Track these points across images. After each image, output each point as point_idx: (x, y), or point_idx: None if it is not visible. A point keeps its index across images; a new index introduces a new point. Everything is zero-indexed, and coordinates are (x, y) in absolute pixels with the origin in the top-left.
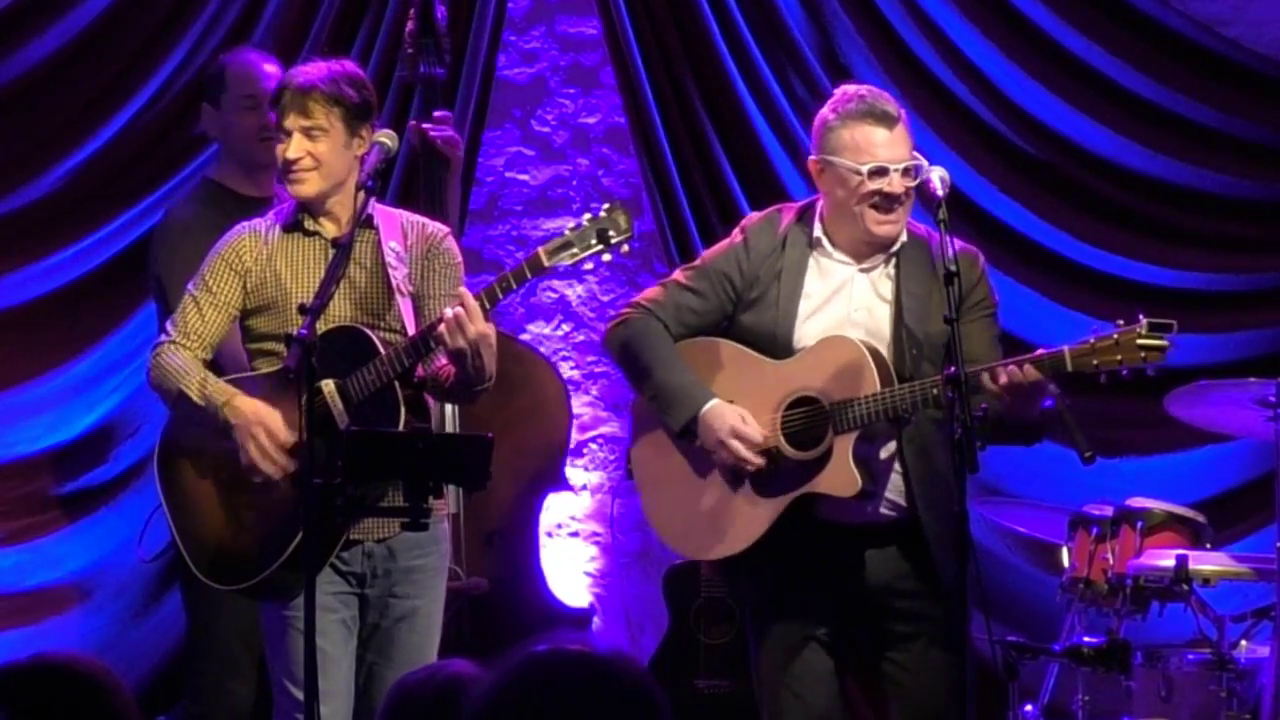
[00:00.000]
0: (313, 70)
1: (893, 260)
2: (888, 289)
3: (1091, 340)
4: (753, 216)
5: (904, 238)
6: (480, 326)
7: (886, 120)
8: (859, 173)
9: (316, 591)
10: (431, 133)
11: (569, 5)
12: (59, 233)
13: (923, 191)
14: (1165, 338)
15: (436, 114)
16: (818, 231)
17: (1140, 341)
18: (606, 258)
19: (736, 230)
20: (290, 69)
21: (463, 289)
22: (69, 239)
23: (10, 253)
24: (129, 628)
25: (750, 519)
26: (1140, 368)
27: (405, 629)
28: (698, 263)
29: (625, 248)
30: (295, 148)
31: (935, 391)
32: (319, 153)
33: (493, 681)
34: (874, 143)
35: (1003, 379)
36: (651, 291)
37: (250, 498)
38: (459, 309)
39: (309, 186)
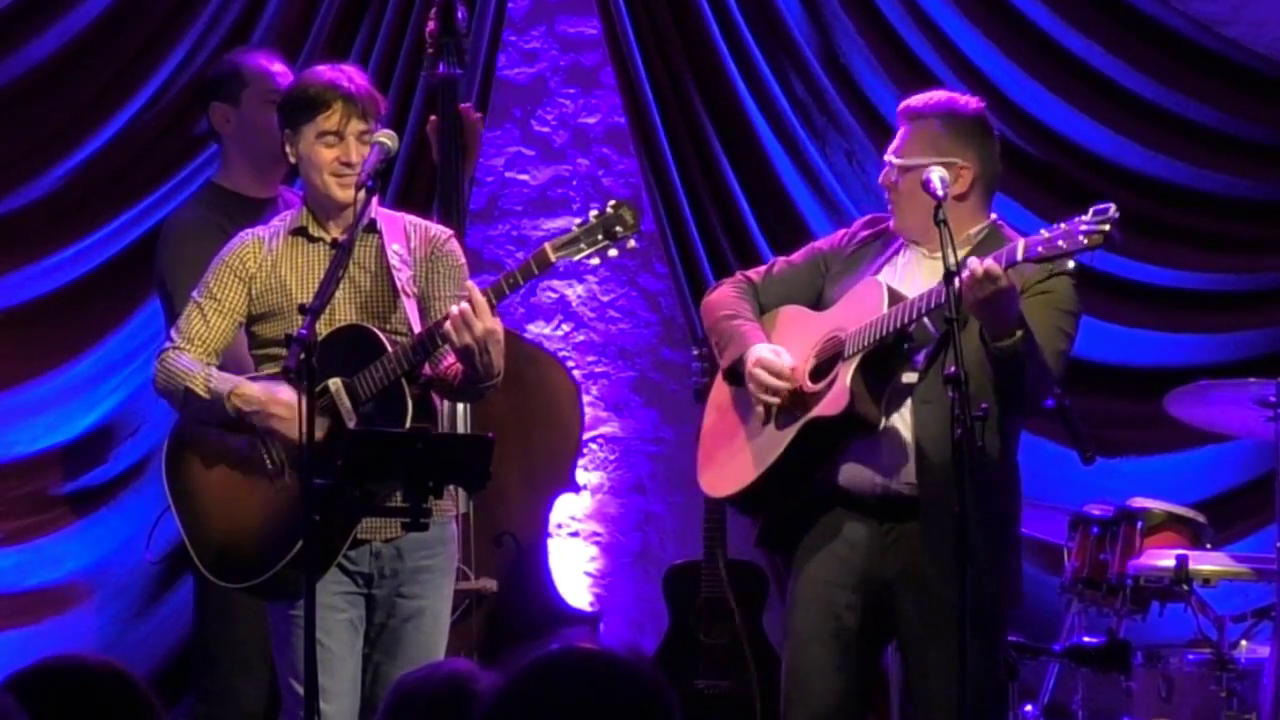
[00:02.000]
0: (351, 75)
1: (966, 249)
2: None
3: (1042, 232)
4: (870, 215)
5: (979, 232)
6: (488, 322)
7: (900, 118)
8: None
9: (323, 591)
10: (472, 115)
11: (569, 5)
12: (59, 233)
13: (923, 191)
14: (1106, 221)
15: (462, 106)
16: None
17: (1081, 228)
18: (613, 253)
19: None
20: (313, 72)
21: (470, 284)
22: (69, 239)
23: (10, 253)
24: (130, 627)
25: (762, 451)
26: (1081, 252)
27: (412, 629)
28: (809, 245)
29: (631, 243)
30: (356, 151)
31: (926, 301)
32: (366, 156)
33: (505, 679)
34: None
35: (974, 271)
36: (760, 267)
37: (257, 496)
38: (465, 305)
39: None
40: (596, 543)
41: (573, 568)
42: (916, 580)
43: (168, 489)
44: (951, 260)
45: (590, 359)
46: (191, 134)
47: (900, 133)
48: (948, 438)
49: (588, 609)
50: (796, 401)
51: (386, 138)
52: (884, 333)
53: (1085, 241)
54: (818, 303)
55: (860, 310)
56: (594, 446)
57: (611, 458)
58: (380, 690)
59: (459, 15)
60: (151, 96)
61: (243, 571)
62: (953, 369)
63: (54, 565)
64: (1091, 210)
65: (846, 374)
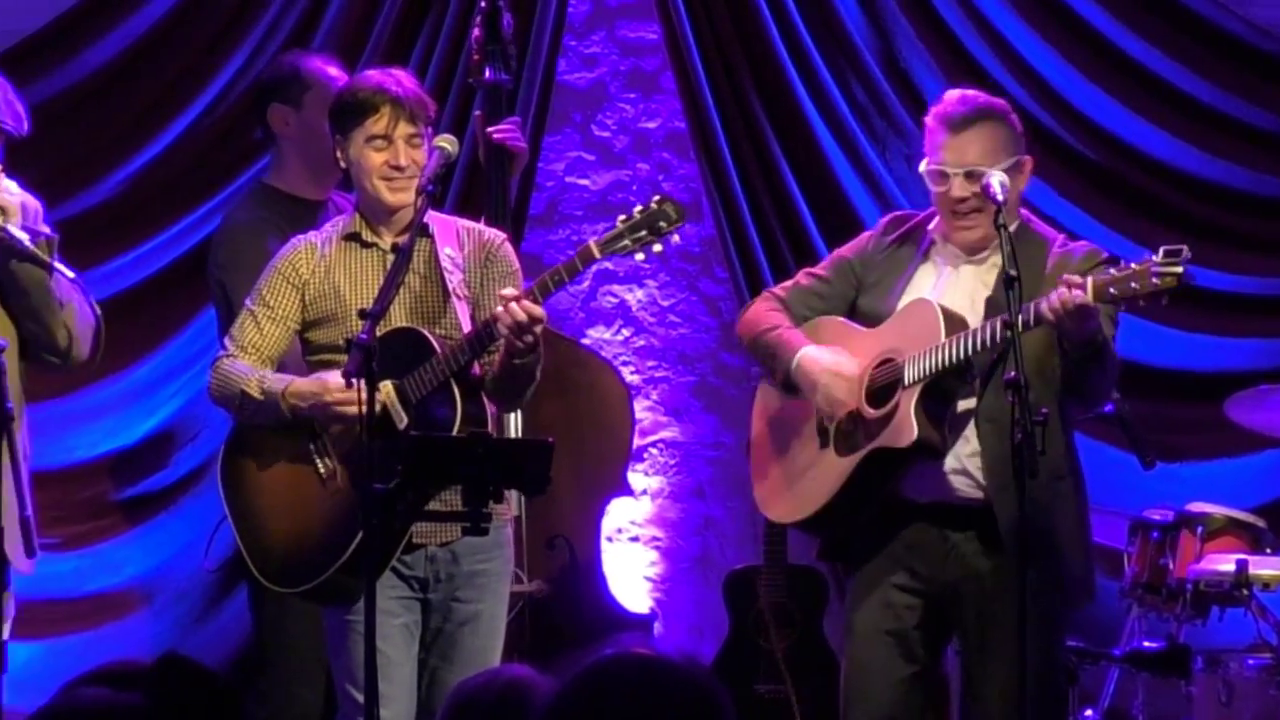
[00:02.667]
0: (400, 78)
1: (1001, 254)
2: (992, 277)
3: (1112, 272)
4: (893, 213)
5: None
6: (535, 310)
7: (950, 125)
8: (928, 177)
9: (379, 596)
10: (496, 136)
11: (629, 10)
12: (119, 238)
13: (982, 196)
14: (1180, 264)
15: (505, 121)
16: (931, 226)
17: (1155, 270)
18: (657, 248)
19: (879, 223)
20: (358, 76)
21: (508, 289)
22: (129, 244)
23: (70, 258)
24: (189, 632)
25: (827, 479)
26: (1155, 294)
27: (468, 633)
28: (832, 254)
29: (676, 237)
30: (405, 154)
31: (989, 333)
32: (418, 160)
33: (560, 685)
34: (939, 145)
35: (1052, 303)
36: (787, 282)
37: (311, 501)
38: (514, 306)
39: (409, 194)
40: (656, 547)
41: (633, 573)
42: (977, 584)
43: (223, 495)
44: (1012, 265)
45: (650, 364)
46: (251, 139)
47: (955, 141)
48: (1010, 447)
49: (643, 613)
50: (855, 425)
51: (447, 142)
52: (946, 362)
53: (1159, 284)
54: (851, 313)
55: (915, 333)
56: (653, 451)
57: (671, 463)
58: (436, 694)
59: (504, 21)
60: (211, 102)
61: (297, 576)
62: (1013, 374)
63: (113, 570)
64: (1162, 251)
65: (909, 404)
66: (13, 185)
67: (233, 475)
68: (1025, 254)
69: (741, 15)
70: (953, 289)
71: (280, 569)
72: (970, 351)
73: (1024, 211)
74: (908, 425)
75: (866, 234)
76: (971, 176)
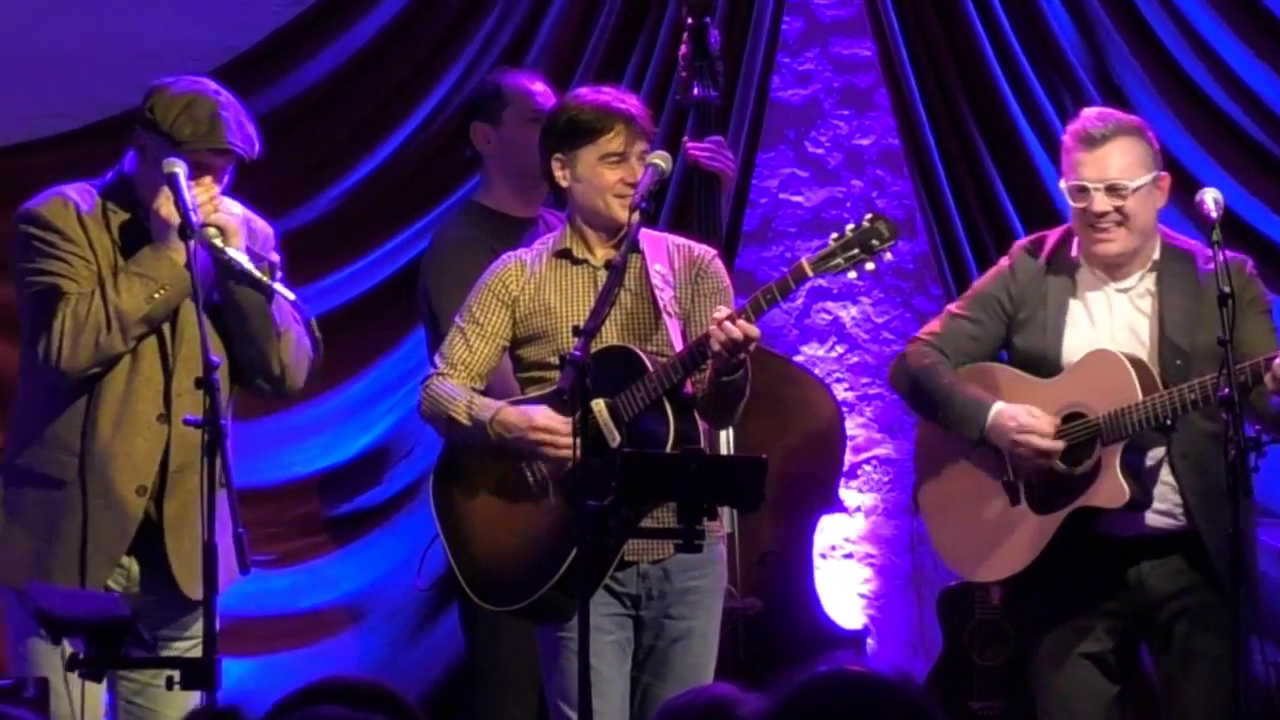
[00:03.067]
0: (621, 96)
1: (1153, 275)
2: (1148, 304)
3: None
4: (1020, 241)
5: (1156, 253)
6: (750, 329)
7: (1089, 141)
8: (1068, 193)
9: (591, 613)
10: (691, 150)
11: (843, 27)
12: (333, 255)
13: (1196, 213)
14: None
15: (707, 140)
16: (1074, 251)
17: None
18: (870, 266)
19: (1004, 257)
20: (580, 95)
21: (721, 306)
22: (343, 261)
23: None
24: (403, 650)
25: (1029, 537)
26: None
27: (681, 650)
28: (970, 292)
29: (888, 255)
30: (639, 172)
31: (1193, 396)
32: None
33: (774, 701)
34: (1076, 163)
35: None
36: (929, 326)
37: (523, 519)
38: (730, 326)
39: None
40: (870, 564)
41: (846, 589)
42: (1176, 606)
43: (436, 515)
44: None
45: (864, 380)
46: (464, 157)
47: (1091, 157)
48: (1209, 473)
49: (855, 629)
50: (1051, 480)
51: (660, 159)
52: (1149, 421)
53: None
54: (1004, 349)
55: (1105, 387)
56: (867, 468)
57: (885, 479)
58: (649, 711)
59: (712, 38)
60: (426, 117)
61: (510, 595)
62: (1226, 390)
63: (328, 587)
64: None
65: (1115, 462)
66: (235, 206)
67: (444, 495)
68: (1174, 270)
69: (955, 32)
70: (1112, 322)
71: (493, 587)
72: (1177, 411)
73: (1163, 228)
74: (1118, 486)
75: (1003, 265)
76: (1113, 191)
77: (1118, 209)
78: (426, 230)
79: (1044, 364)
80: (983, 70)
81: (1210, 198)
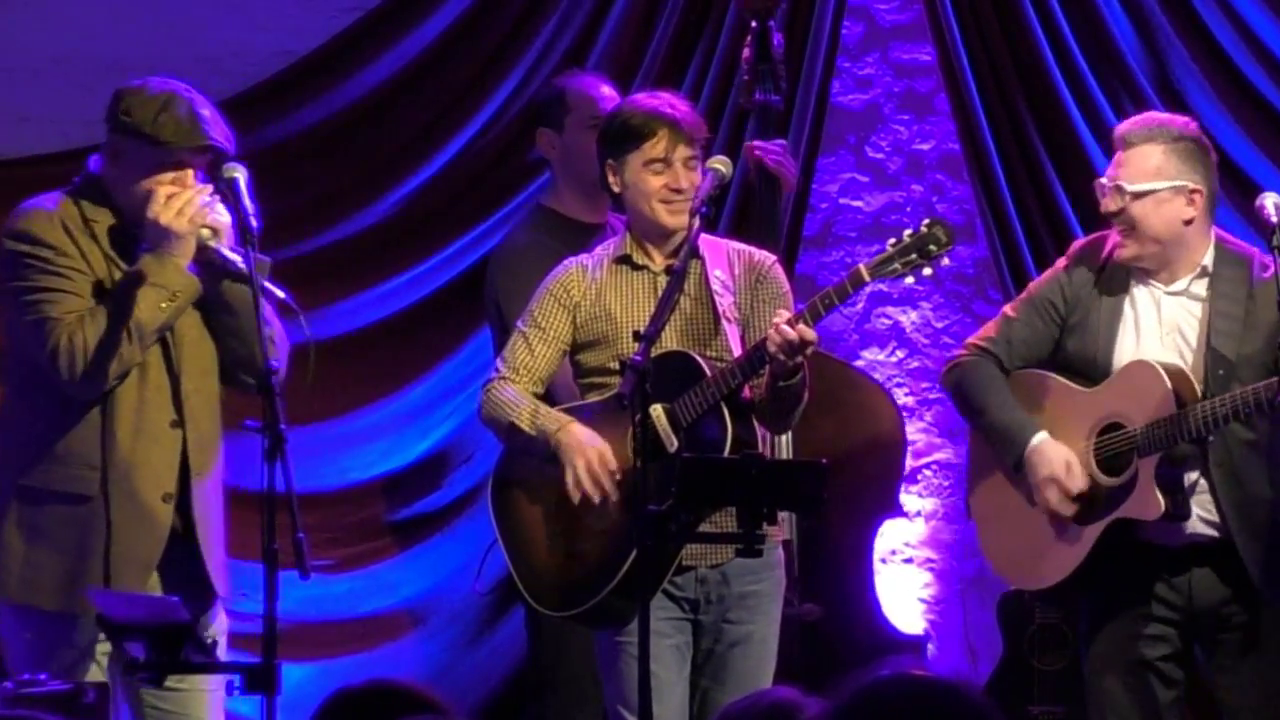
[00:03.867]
0: (674, 101)
1: (1204, 280)
2: (1198, 309)
3: None
4: (1078, 243)
5: (1208, 257)
6: (807, 333)
7: (1119, 142)
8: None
9: (650, 618)
10: (757, 149)
11: (903, 32)
12: (393, 259)
13: (1257, 217)
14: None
15: (771, 143)
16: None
17: None
18: (927, 272)
19: (1062, 258)
20: (632, 100)
21: (780, 310)
22: (403, 265)
23: (345, 279)
24: (463, 655)
25: (1071, 546)
26: None
27: (740, 654)
28: (1024, 294)
29: (945, 260)
30: (684, 177)
31: (1225, 410)
32: (694, 182)
33: (834, 705)
34: (1113, 163)
35: None
36: (984, 329)
37: (582, 524)
38: (788, 329)
39: (685, 216)
40: (930, 569)
41: (906, 594)
42: (1225, 612)
43: (494, 520)
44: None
45: (924, 385)
46: (525, 161)
47: (1119, 158)
48: (1246, 483)
49: (916, 634)
50: (1092, 492)
51: (720, 164)
52: (1184, 434)
53: None
54: (1057, 351)
55: (1142, 399)
56: (928, 473)
57: (945, 484)
58: (708, 716)
59: (775, 41)
60: (485, 123)
61: (569, 600)
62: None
63: (387, 592)
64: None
65: (1149, 475)
66: (221, 208)
67: (503, 500)
68: (1227, 276)
69: (1015, 37)
70: (1160, 325)
71: (551, 592)
72: (1214, 426)
73: (1219, 231)
74: (1153, 499)
75: (1059, 267)
76: (1118, 192)
77: (1122, 211)
78: (488, 235)
79: (1094, 367)
80: (1043, 75)
81: (1271, 202)
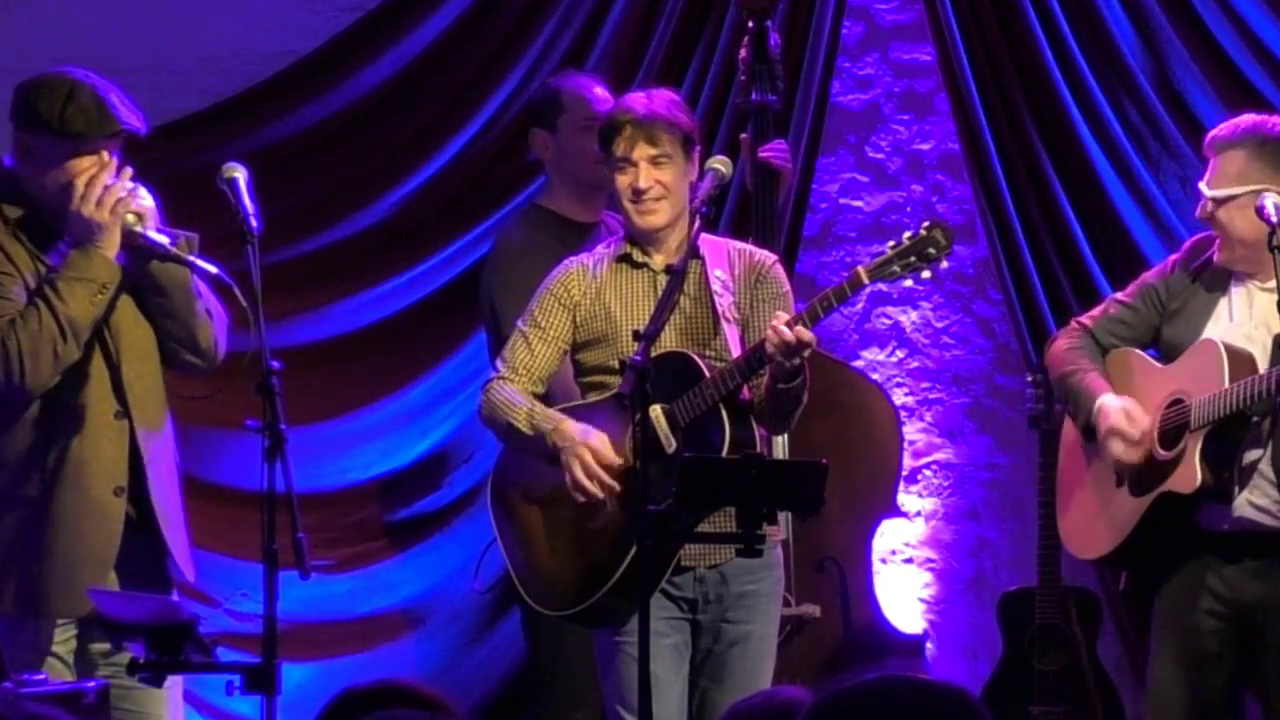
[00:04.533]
0: (648, 99)
1: None
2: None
3: None
4: (1193, 238)
5: None
6: (805, 335)
7: (1207, 146)
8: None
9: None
10: (762, 154)
11: (903, 32)
12: (393, 259)
13: (1257, 217)
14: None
15: (773, 142)
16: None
17: None
18: (926, 275)
19: (1175, 253)
20: (618, 99)
21: (779, 311)
22: (403, 266)
23: (344, 279)
24: (463, 654)
25: (1123, 518)
26: None
27: (738, 654)
28: (1138, 280)
29: (944, 263)
30: (645, 177)
31: (1261, 386)
32: (666, 181)
33: (813, 705)
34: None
35: None
36: (1092, 310)
37: (580, 524)
38: (786, 330)
39: (660, 216)
40: (930, 569)
41: (906, 594)
42: (1272, 608)
43: (493, 520)
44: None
45: (924, 385)
46: (524, 161)
47: (1210, 164)
48: None
49: (915, 634)
50: (1149, 465)
51: (720, 164)
52: (1229, 409)
53: None
54: (1157, 339)
55: (1201, 374)
56: (927, 473)
57: (945, 484)
58: (707, 716)
59: (771, 42)
60: (485, 123)
61: (565, 599)
62: None
63: (387, 592)
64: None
65: (1195, 449)
66: (143, 191)
67: (502, 500)
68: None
69: (1015, 37)
70: (1251, 317)
71: (548, 592)
72: (1252, 399)
73: None
74: (1191, 472)
75: (1173, 258)
76: (1213, 200)
77: (1210, 217)
78: (486, 235)
79: (1180, 354)
80: (1043, 75)
81: (1270, 202)
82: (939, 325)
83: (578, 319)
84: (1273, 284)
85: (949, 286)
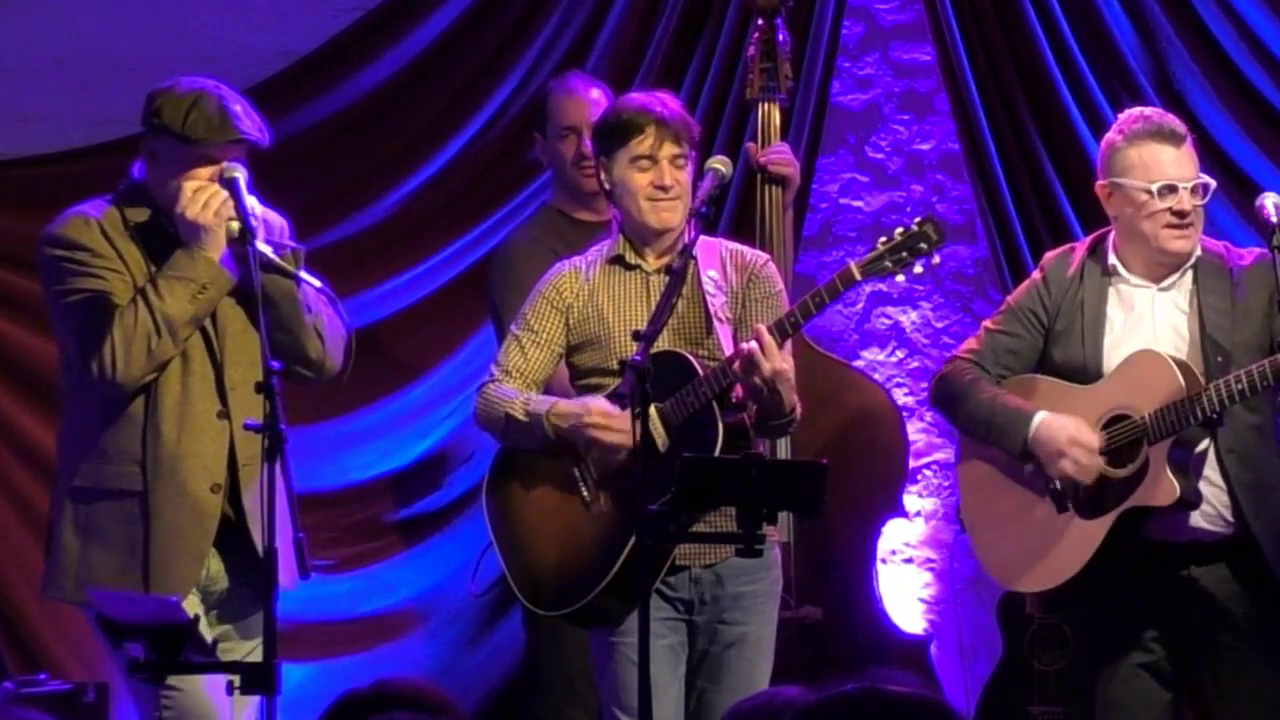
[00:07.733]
0: (661, 100)
1: (1189, 274)
2: (1186, 303)
3: None
4: (1050, 254)
5: (1197, 253)
6: (775, 363)
7: (1174, 139)
8: (1149, 191)
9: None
10: (759, 156)
11: (903, 32)
12: (393, 259)
13: (1257, 217)
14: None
15: (775, 145)
16: (1112, 259)
17: None
18: (918, 270)
19: (1035, 270)
20: (622, 100)
21: (759, 326)
22: (403, 265)
23: (345, 279)
24: (464, 654)
25: (1077, 543)
26: None
27: (735, 655)
28: (1003, 307)
29: (936, 258)
30: (670, 175)
31: (1240, 386)
32: (682, 181)
33: (795, 715)
34: (1161, 161)
35: None
36: (967, 342)
37: (573, 524)
38: (754, 344)
39: (676, 215)
40: (930, 569)
41: (906, 594)
42: (1228, 612)
43: (489, 521)
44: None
45: (924, 385)
46: (525, 161)
47: (1184, 153)
48: (1257, 468)
49: (918, 634)
50: (1099, 486)
51: (720, 164)
52: (1198, 414)
53: None
54: (1042, 361)
55: (1148, 386)
56: (927, 473)
57: (945, 484)
58: (706, 716)
59: (781, 39)
60: (486, 122)
61: (561, 599)
62: None
63: (387, 592)
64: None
65: (1161, 460)
66: (253, 201)
67: (497, 501)
68: (1209, 270)
69: (1015, 37)
70: (1155, 322)
71: (544, 592)
72: (1227, 404)
73: None
74: (1167, 483)
75: (1035, 278)
76: (1199, 190)
77: (1197, 208)
78: (488, 235)
79: (1084, 374)
80: (1043, 75)
81: (1270, 202)
82: (939, 325)
83: (570, 321)
84: (1168, 284)
85: (949, 286)
